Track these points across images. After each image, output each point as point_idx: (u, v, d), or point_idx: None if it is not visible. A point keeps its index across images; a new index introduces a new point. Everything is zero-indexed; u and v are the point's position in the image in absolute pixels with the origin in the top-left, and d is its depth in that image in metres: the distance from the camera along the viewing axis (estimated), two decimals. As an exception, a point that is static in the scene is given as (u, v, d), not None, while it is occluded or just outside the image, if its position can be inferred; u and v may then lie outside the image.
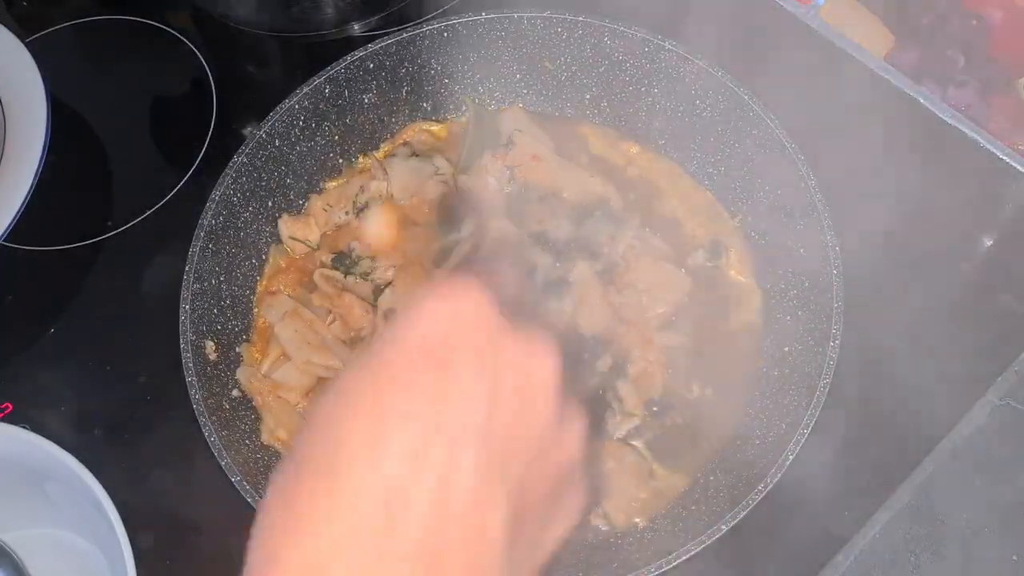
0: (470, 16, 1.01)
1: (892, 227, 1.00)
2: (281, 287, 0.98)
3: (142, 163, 1.13)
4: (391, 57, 1.02)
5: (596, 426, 0.88)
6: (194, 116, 1.14)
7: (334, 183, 1.04)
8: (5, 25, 1.11)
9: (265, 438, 0.89)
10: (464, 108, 1.07)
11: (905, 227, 1.00)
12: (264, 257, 0.99)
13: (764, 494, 0.79)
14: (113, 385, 0.98)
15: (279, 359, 0.92)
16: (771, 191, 0.96)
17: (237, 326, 0.95)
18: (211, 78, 1.17)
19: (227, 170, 0.95)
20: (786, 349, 0.91)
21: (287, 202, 1.01)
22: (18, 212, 0.98)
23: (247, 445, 0.87)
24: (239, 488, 0.80)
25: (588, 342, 0.92)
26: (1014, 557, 0.86)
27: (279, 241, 1.00)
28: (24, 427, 0.81)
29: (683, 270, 0.96)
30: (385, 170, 1.01)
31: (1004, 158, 0.90)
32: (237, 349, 0.94)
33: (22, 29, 1.19)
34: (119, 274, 1.05)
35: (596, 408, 0.90)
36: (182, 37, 1.20)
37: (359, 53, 1.00)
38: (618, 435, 0.90)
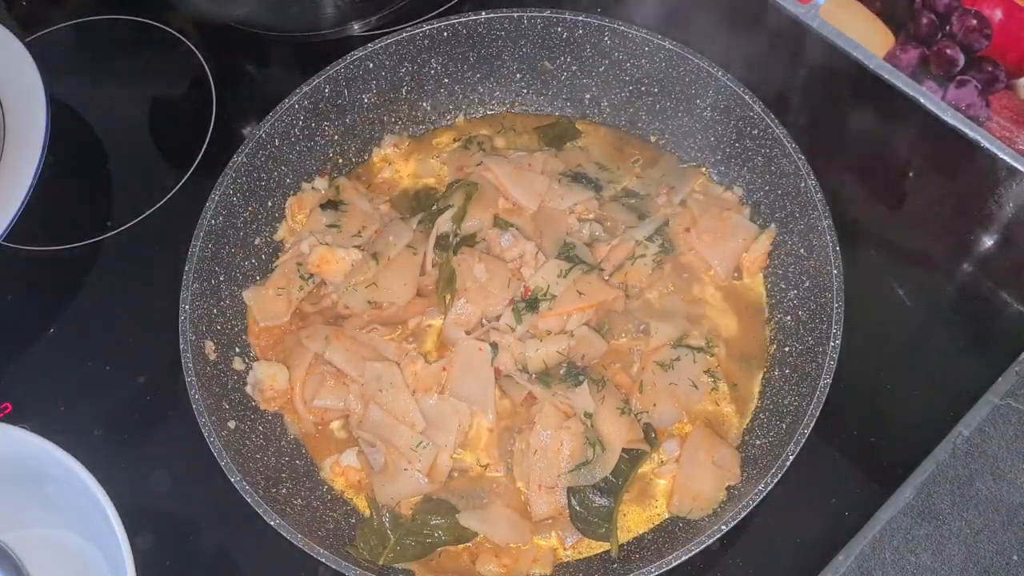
0: (470, 16, 1.01)
1: (892, 227, 1.00)
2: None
3: (142, 163, 1.13)
4: (391, 57, 1.02)
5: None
6: (194, 116, 1.14)
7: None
8: (5, 25, 1.11)
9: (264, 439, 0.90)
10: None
11: (905, 227, 1.01)
12: (264, 258, 0.99)
13: (764, 494, 0.79)
14: (113, 385, 0.98)
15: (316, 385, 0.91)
16: (771, 191, 0.96)
17: (237, 326, 0.95)
18: (211, 78, 1.17)
19: (227, 170, 0.95)
20: (786, 349, 0.91)
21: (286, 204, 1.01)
22: (18, 212, 0.98)
23: (246, 445, 0.87)
24: (239, 488, 0.80)
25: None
26: (1014, 557, 0.86)
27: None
28: (24, 427, 0.81)
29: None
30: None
31: (1004, 158, 0.90)
32: (238, 350, 0.94)
33: (22, 29, 1.20)
34: (119, 274, 1.05)
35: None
36: (182, 37, 1.21)
37: (359, 53, 1.00)
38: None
